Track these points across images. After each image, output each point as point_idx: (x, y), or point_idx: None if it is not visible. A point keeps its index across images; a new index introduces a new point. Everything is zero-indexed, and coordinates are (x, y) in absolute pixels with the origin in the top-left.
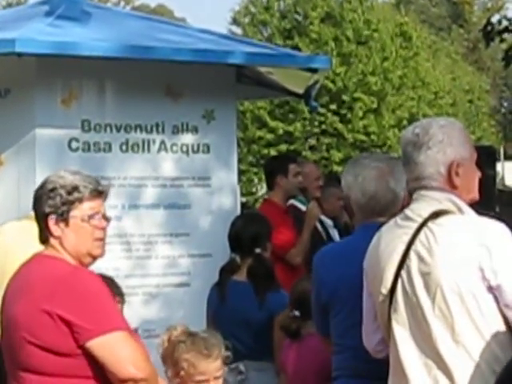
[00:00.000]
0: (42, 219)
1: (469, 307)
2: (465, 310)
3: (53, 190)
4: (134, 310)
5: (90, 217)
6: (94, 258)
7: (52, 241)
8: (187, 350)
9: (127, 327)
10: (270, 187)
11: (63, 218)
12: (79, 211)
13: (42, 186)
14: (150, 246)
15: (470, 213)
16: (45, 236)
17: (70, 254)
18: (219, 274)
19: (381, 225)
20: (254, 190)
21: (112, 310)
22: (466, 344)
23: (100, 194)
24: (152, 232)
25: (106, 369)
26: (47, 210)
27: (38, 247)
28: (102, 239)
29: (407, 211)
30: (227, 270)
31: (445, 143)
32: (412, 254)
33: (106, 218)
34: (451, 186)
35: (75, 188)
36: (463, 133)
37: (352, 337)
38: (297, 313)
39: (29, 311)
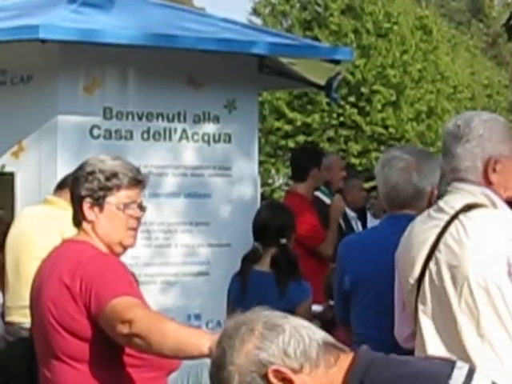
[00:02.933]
0: (77, 202)
1: (495, 302)
2: (491, 305)
3: (91, 173)
4: (153, 298)
5: (126, 205)
6: (125, 247)
7: (85, 225)
8: None
9: (141, 298)
10: (301, 179)
11: (98, 203)
12: (116, 198)
13: (81, 168)
14: (169, 235)
15: (504, 208)
16: (78, 219)
17: (102, 241)
18: (241, 262)
19: (410, 217)
20: (270, 180)
21: (127, 282)
22: (491, 339)
23: (139, 183)
24: (172, 221)
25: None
26: (83, 192)
27: (53, 232)
28: (136, 229)
29: (441, 203)
30: (249, 259)
31: (484, 138)
32: (442, 246)
33: (142, 208)
34: (487, 181)
35: (114, 174)
36: (505, 129)
37: (374, 326)
38: (332, 302)
39: (53, 293)
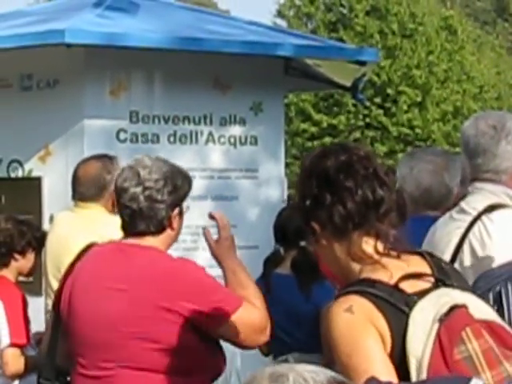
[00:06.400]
0: (164, 210)
1: None
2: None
3: (183, 181)
4: None
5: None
6: None
7: (167, 232)
8: None
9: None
10: None
11: (181, 210)
12: (184, 204)
13: (170, 176)
14: (196, 238)
15: None
16: (162, 226)
17: (166, 248)
18: (263, 265)
19: (433, 218)
20: None
21: (222, 288)
22: None
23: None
24: (199, 223)
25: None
26: (173, 201)
27: (93, 236)
28: None
29: (462, 204)
30: (271, 262)
31: None
32: (465, 248)
33: None
34: None
35: (191, 181)
36: None
37: None
38: None
39: (139, 307)
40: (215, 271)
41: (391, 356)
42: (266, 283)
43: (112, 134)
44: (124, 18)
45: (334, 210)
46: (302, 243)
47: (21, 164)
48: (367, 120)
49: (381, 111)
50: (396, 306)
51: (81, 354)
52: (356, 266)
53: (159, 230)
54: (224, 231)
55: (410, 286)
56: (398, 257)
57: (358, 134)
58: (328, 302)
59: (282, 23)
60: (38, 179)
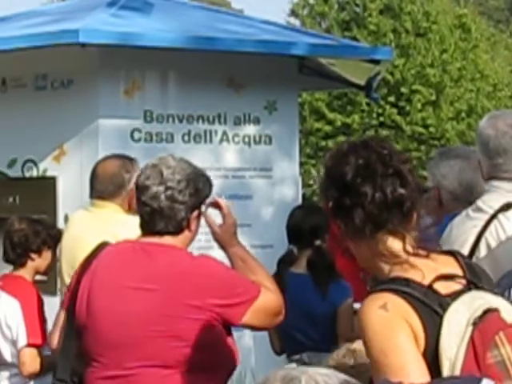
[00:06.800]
0: (183, 211)
1: None
2: None
3: (204, 184)
4: None
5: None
6: None
7: (185, 233)
8: None
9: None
10: None
11: (200, 212)
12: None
13: (192, 178)
14: (210, 237)
15: None
16: (180, 227)
17: (184, 247)
18: (277, 265)
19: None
20: (311, 181)
21: (242, 278)
22: None
23: None
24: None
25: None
26: (193, 203)
27: (107, 235)
28: None
29: (479, 202)
30: (285, 262)
31: None
32: (482, 246)
33: None
34: None
35: (211, 185)
36: None
37: None
38: None
39: (170, 306)
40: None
41: (423, 356)
42: (280, 283)
43: (126, 134)
44: (138, 18)
45: (354, 213)
46: (317, 242)
47: (35, 164)
48: (381, 119)
49: (394, 110)
50: (430, 307)
51: (101, 354)
52: (385, 266)
53: (178, 230)
54: (229, 218)
55: (442, 287)
56: (427, 256)
57: (371, 133)
58: (344, 300)
59: (296, 22)
60: (53, 179)
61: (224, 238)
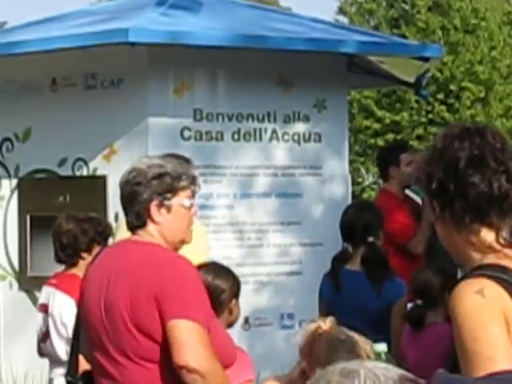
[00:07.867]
0: (141, 204)
1: None
2: None
3: (159, 175)
4: (245, 299)
5: (191, 205)
6: (184, 243)
7: (151, 226)
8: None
9: (206, 322)
10: (385, 178)
11: (166, 204)
12: (180, 198)
13: (141, 173)
14: (261, 235)
15: None
16: (142, 221)
17: (166, 240)
18: (331, 263)
19: None
20: (360, 179)
21: (200, 301)
22: None
23: (194, 181)
24: (263, 221)
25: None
26: (150, 195)
27: None
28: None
29: None
30: (340, 260)
31: None
32: None
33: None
34: None
35: (180, 175)
36: None
37: None
38: (420, 302)
39: (133, 295)
40: (279, 268)
41: None
42: (334, 281)
43: (176, 133)
44: (187, 17)
45: (456, 200)
46: (370, 239)
47: (85, 162)
48: (430, 116)
49: (444, 107)
50: None
51: (93, 347)
52: (476, 255)
53: (139, 226)
54: None
55: None
56: None
57: (420, 131)
58: (400, 298)
59: (344, 20)
60: (103, 178)
61: None
